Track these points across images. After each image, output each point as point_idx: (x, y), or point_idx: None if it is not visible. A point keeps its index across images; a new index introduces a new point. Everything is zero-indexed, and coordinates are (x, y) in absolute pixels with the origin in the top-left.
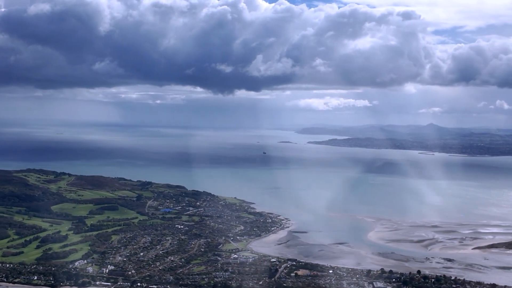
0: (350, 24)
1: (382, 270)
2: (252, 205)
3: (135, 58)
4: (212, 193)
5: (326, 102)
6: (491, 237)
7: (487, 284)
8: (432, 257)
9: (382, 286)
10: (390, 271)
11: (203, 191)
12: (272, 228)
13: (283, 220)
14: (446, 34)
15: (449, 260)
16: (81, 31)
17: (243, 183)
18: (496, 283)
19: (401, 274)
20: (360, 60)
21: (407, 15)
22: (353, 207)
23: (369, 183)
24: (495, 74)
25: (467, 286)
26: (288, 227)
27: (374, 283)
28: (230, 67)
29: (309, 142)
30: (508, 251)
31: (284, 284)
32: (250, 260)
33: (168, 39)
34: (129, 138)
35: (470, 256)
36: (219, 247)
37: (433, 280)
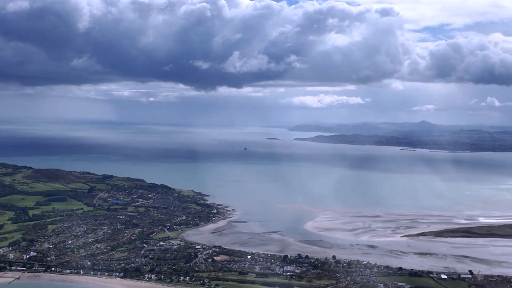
0: (327, 21)
1: (299, 255)
2: (205, 197)
3: (115, 54)
4: (170, 186)
5: (320, 100)
6: (425, 226)
7: (395, 267)
8: (357, 244)
9: (292, 269)
10: (306, 256)
11: (161, 184)
12: (214, 218)
13: (229, 211)
14: (434, 32)
15: (372, 246)
16: (61, 28)
17: (209, 176)
18: (404, 267)
19: (316, 259)
20: (337, 56)
21: (385, 12)
22: (306, 199)
23: (334, 176)
24: (470, 71)
25: (375, 269)
26: (231, 217)
27: (285, 266)
28: (208, 64)
29: (295, 139)
30: (434, 239)
31: (197, 268)
32: (175, 247)
33: (147, 36)
34: (117, 135)
35: (394, 243)
36: (151, 235)
37: (344, 264)
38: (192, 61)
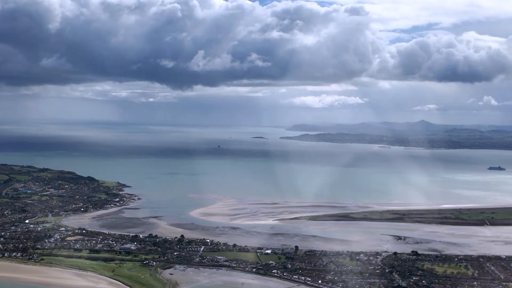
0: (295, 20)
1: (150, 235)
2: (124, 188)
3: (86, 54)
4: (96, 178)
5: (321, 100)
6: (310, 211)
7: (229, 244)
8: (223, 227)
9: (129, 246)
10: (156, 236)
11: (88, 176)
12: (108, 206)
13: (133, 199)
14: (418, 30)
15: (234, 228)
16: (33, 29)
17: (151, 169)
18: (248, 245)
19: (166, 239)
20: (304, 55)
21: (354, 11)
22: (223, 189)
23: (271, 169)
24: (434, 69)
25: (208, 246)
26: (128, 205)
27: (125, 244)
28: (178, 63)
29: (281, 138)
30: (305, 222)
31: (38, 246)
32: (39, 229)
33: (118, 36)
34: (108, 134)
35: (261, 226)
36: (29, 220)
37: (185, 242)
38: (162, 60)
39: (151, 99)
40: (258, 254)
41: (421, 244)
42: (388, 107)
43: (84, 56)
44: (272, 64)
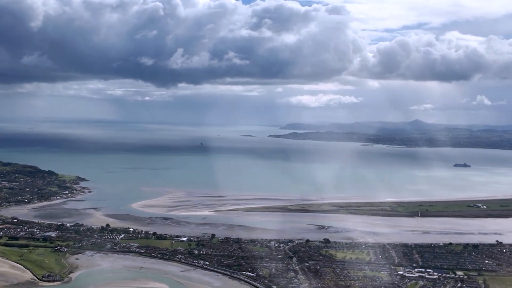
0: (275, 19)
1: (76, 224)
2: (81, 181)
3: (69, 52)
4: (56, 172)
5: (318, 99)
6: (257, 205)
7: (150, 233)
8: (156, 217)
9: (50, 234)
10: (82, 224)
11: (48, 170)
12: (54, 197)
13: (84, 192)
14: (412, 30)
15: (166, 218)
16: (16, 27)
17: (118, 164)
18: (169, 234)
19: (91, 228)
20: (284, 54)
21: (335, 10)
22: (179, 183)
23: (244, 165)
24: (412, 68)
25: (130, 234)
26: (75, 197)
27: (47, 232)
28: (159, 61)
29: (269, 136)
30: (240, 213)
31: None
32: None
33: (99, 34)
34: (96, 132)
35: (193, 216)
36: None
37: (109, 230)
38: (143, 58)
39: (147, 98)
40: (173, 241)
41: (340, 233)
42: (384, 106)
43: (66, 54)
44: (251, 62)
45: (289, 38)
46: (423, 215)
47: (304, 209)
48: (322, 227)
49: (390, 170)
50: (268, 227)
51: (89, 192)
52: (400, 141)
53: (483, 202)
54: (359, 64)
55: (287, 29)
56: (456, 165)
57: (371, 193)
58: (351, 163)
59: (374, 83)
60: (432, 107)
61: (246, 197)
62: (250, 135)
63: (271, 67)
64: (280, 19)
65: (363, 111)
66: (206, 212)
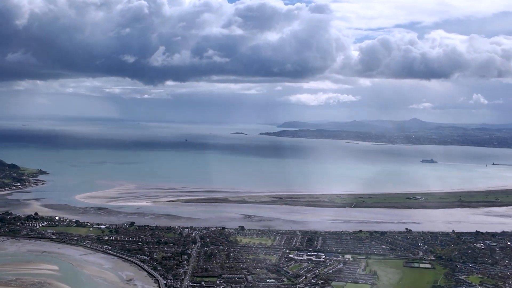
0: (257, 17)
1: (6, 213)
2: (41, 174)
3: (54, 50)
4: (18, 165)
5: (317, 98)
6: (198, 197)
7: (73, 220)
8: (91, 207)
9: None
10: (10, 213)
11: (11, 164)
12: (1, 189)
13: (36, 184)
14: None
15: (101, 208)
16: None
17: (83, 158)
18: (91, 222)
19: (18, 216)
20: (266, 51)
21: (318, 9)
22: (136, 176)
23: (213, 160)
24: (391, 66)
25: (53, 222)
26: (26, 188)
27: None
28: (136, 58)
29: (260, 134)
30: (175, 204)
31: None
32: None
33: (84, 32)
34: (90, 129)
35: (128, 207)
36: None
37: (47, 217)
38: (127, 56)
39: (145, 96)
40: (91, 228)
41: (261, 222)
42: (384, 105)
43: (51, 52)
44: (233, 60)
45: (272, 36)
46: (357, 206)
47: (244, 200)
48: (248, 216)
49: (353, 165)
50: (194, 216)
51: (42, 184)
52: (386, 138)
53: (424, 195)
54: (342, 62)
55: (269, 27)
56: (423, 161)
57: (318, 186)
58: (318, 158)
59: (370, 81)
60: (431, 106)
61: (194, 189)
62: (241, 133)
63: (254, 65)
64: (263, 18)
65: (364, 109)
66: (143, 203)
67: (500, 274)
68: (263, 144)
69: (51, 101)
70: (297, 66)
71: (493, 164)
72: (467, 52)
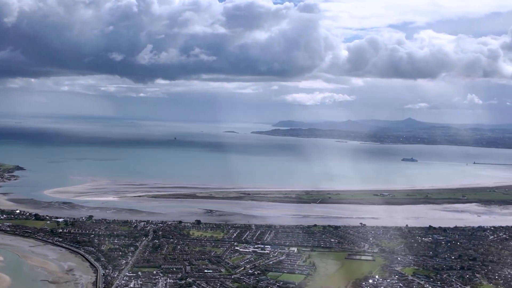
0: (245, 16)
1: None
2: (18, 170)
3: (44, 48)
4: None
5: (313, 97)
6: (166, 193)
7: (43, 215)
8: (57, 202)
9: None
10: None
11: None
12: None
13: (8, 179)
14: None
15: (66, 203)
16: None
17: (64, 155)
18: (51, 215)
19: None
20: (254, 50)
21: (307, 8)
22: (111, 172)
23: (193, 157)
24: (378, 65)
25: (20, 216)
26: None
27: None
28: (123, 56)
29: (252, 132)
30: (142, 199)
31: None
32: None
33: (73, 30)
34: (84, 127)
35: (93, 201)
36: None
37: (8, 211)
38: (116, 54)
39: (141, 94)
40: (48, 222)
41: (221, 216)
42: (379, 105)
43: (40, 49)
44: (221, 59)
45: (260, 35)
46: (322, 202)
47: (211, 196)
48: (210, 211)
49: (331, 162)
50: (156, 211)
51: (15, 179)
52: (375, 138)
53: (392, 192)
54: (331, 61)
55: (257, 27)
56: (403, 160)
57: (289, 183)
58: (298, 156)
59: (364, 81)
60: (427, 106)
61: (165, 185)
62: (233, 132)
63: (240, 63)
64: (249, 16)
65: (360, 109)
66: (110, 198)
67: (435, 266)
68: (251, 142)
69: (47, 99)
70: (285, 65)
71: (474, 163)
72: (454, 52)
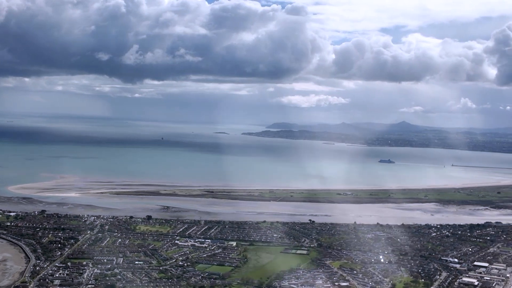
0: (232, 18)
1: None
2: None
3: (32, 47)
4: None
5: (309, 100)
6: (131, 190)
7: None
8: (17, 197)
9: None
10: None
11: None
12: None
13: None
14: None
15: (25, 198)
16: None
17: (43, 153)
18: (5, 210)
19: None
20: (240, 52)
21: (294, 11)
22: (83, 170)
23: (172, 157)
24: (363, 68)
25: None
26: None
27: None
28: (110, 56)
29: (242, 133)
30: (103, 196)
31: None
32: None
33: (61, 30)
34: (76, 126)
35: (53, 197)
36: None
37: None
38: (104, 54)
39: (136, 95)
40: (0, 215)
41: (175, 213)
42: (374, 107)
43: (28, 48)
44: (208, 59)
45: (247, 37)
46: (283, 200)
47: (174, 193)
48: (166, 208)
49: (306, 163)
50: (113, 207)
51: None
52: (363, 140)
53: (355, 191)
54: (317, 63)
55: (244, 28)
56: (381, 161)
57: (257, 182)
58: (277, 156)
59: (355, 84)
60: (421, 110)
61: (132, 183)
62: (223, 133)
63: (226, 65)
64: (236, 18)
65: (355, 112)
66: (72, 194)
67: (365, 260)
68: (237, 143)
69: (42, 99)
70: (271, 67)
71: (452, 165)
72: (438, 56)
